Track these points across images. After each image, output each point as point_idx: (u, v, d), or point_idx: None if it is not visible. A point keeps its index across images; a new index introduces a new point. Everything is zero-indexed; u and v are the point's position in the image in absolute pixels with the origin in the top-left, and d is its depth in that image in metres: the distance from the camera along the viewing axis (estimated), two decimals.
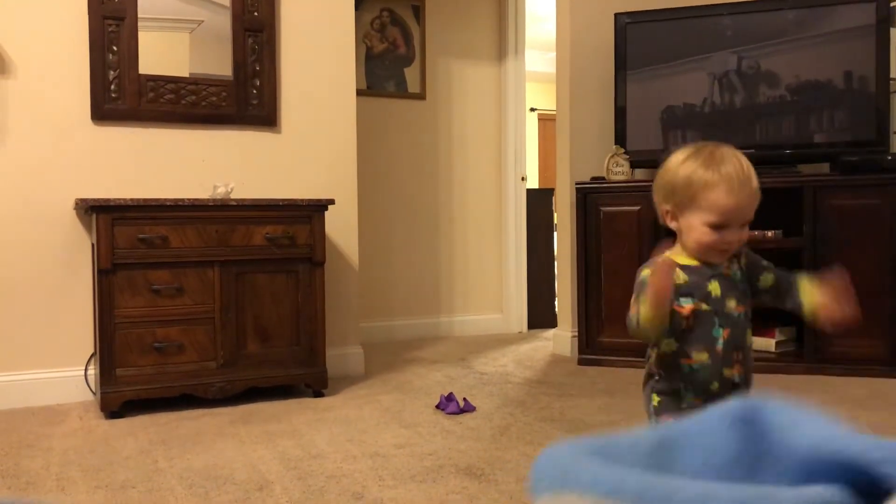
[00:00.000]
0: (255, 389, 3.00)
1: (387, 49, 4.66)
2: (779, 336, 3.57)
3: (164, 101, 3.20)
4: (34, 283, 3.02)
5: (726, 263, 1.49)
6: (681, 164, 1.46)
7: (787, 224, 3.53)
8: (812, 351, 3.41)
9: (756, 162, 3.94)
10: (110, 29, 3.10)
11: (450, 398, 2.85)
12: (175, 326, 2.87)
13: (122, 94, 3.13)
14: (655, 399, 1.52)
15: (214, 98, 3.28)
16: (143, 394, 2.82)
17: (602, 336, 3.70)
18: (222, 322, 2.93)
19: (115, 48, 3.11)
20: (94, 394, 3.01)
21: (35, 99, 3.02)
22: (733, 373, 1.47)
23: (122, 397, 2.79)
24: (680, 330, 1.47)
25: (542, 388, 3.24)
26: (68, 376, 3.05)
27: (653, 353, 1.54)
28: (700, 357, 1.46)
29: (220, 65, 3.31)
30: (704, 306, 1.46)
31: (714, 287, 1.47)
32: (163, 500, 1.95)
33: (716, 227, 1.42)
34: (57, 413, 2.87)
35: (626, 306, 1.49)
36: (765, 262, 1.56)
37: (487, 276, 4.99)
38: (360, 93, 4.08)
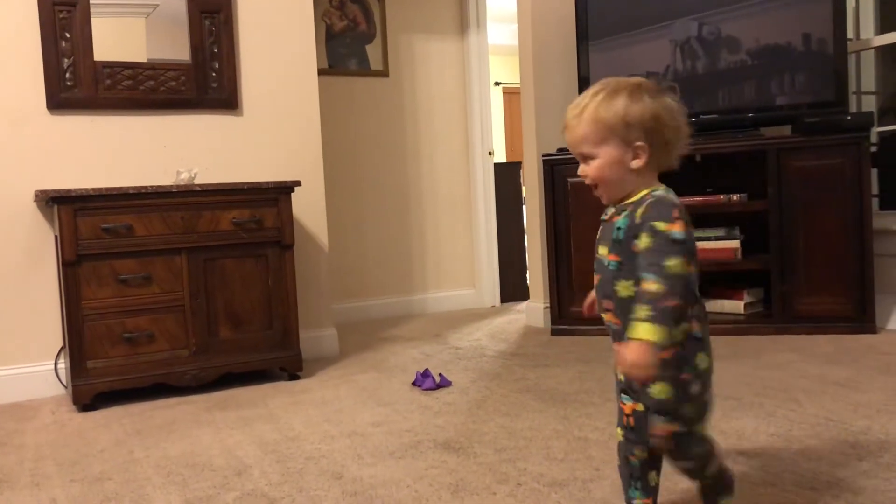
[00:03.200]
0: (230, 375, 2.99)
1: (347, 27, 4.61)
2: (747, 298, 3.62)
3: (121, 88, 3.14)
4: None
5: (613, 211, 1.42)
6: None
7: (751, 187, 3.57)
8: (780, 311, 3.46)
9: (719, 126, 3.94)
10: (61, 15, 3.02)
11: (426, 374, 2.86)
12: (144, 316, 2.84)
13: (77, 82, 3.06)
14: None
15: (173, 83, 3.23)
16: (115, 385, 2.79)
17: (574, 306, 3.73)
18: (192, 309, 2.91)
19: (67, 35, 3.04)
20: (66, 387, 2.97)
21: None
22: (608, 319, 1.43)
23: (94, 390, 2.76)
24: None
25: (516, 359, 3.26)
26: (38, 371, 3.01)
27: None
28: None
29: (177, 49, 3.25)
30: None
31: (600, 230, 1.45)
32: (140, 489, 1.94)
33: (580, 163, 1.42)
34: (28, 409, 2.83)
35: None
36: (646, 237, 1.31)
37: (459, 251, 4.99)
38: (321, 72, 4.04)
